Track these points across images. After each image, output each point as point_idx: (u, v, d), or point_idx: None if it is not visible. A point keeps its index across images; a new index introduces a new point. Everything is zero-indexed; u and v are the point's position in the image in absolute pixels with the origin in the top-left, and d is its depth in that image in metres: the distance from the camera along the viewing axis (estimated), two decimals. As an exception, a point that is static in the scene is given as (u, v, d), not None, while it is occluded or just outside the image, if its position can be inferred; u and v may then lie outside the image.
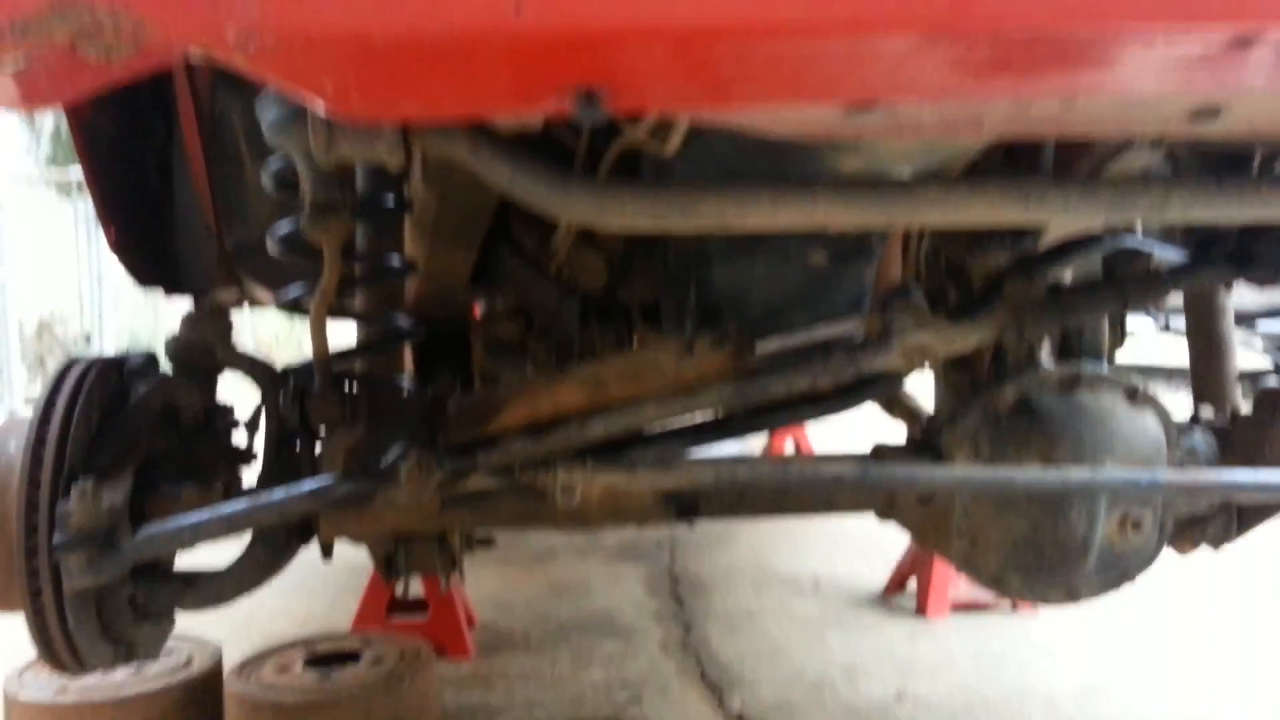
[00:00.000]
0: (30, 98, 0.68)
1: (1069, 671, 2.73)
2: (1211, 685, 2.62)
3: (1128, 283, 1.35)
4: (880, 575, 3.54)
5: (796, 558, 3.92)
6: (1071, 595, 1.67)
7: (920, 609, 3.25)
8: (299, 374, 1.54)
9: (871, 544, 3.68)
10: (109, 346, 9.83)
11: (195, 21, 0.65)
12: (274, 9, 0.64)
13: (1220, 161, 1.34)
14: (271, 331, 11.29)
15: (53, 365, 9.95)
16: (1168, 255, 1.45)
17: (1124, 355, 1.94)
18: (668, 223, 0.97)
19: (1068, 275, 1.49)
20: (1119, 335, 1.69)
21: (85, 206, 8.59)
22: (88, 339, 9.94)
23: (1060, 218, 1.02)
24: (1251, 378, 1.90)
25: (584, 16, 0.64)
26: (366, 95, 0.72)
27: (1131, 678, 2.68)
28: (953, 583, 3.22)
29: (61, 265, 9.85)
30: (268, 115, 0.99)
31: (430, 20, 0.65)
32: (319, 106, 0.74)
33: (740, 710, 2.50)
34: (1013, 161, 1.41)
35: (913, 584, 3.39)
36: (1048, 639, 2.97)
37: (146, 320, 10.71)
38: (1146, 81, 0.74)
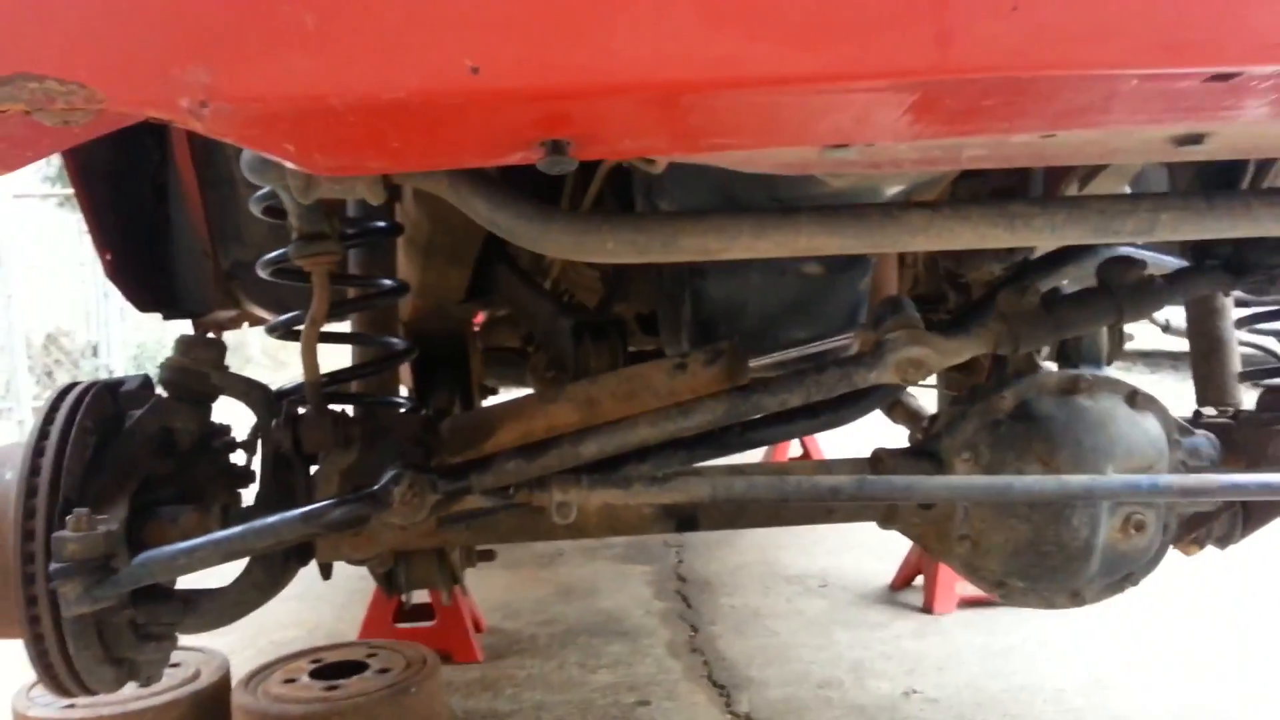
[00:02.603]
0: (-9, 164, 0.67)
1: (1076, 665, 2.73)
2: (1217, 678, 2.62)
3: (1123, 294, 1.33)
4: (887, 572, 3.54)
5: (803, 556, 3.92)
6: (1076, 599, 1.67)
7: (927, 605, 3.25)
8: (293, 396, 1.53)
9: (878, 541, 3.65)
10: (116, 358, 9.88)
11: (147, 93, 0.64)
12: (226, 78, 0.63)
13: (1216, 170, 1.32)
14: (276, 346, 11.30)
15: (61, 377, 10.02)
16: (1163, 262, 1.44)
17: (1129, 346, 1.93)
18: (650, 255, 0.96)
19: (1062, 284, 1.48)
20: (1118, 339, 1.67)
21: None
22: (94, 350, 9.98)
23: (1046, 241, 1.01)
24: (1253, 376, 1.89)
25: (542, 75, 0.62)
26: (330, 155, 0.72)
27: (1139, 671, 2.67)
28: (959, 579, 3.21)
29: (67, 278, 9.90)
30: (246, 157, 0.99)
31: (385, 85, 0.63)
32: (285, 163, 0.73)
33: (748, 711, 2.50)
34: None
35: (919, 580, 3.39)
36: (1055, 634, 2.96)
37: (153, 331, 10.75)
38: (1126, 117, 0.73)
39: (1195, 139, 0.83)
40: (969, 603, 3.24)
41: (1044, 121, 0.72)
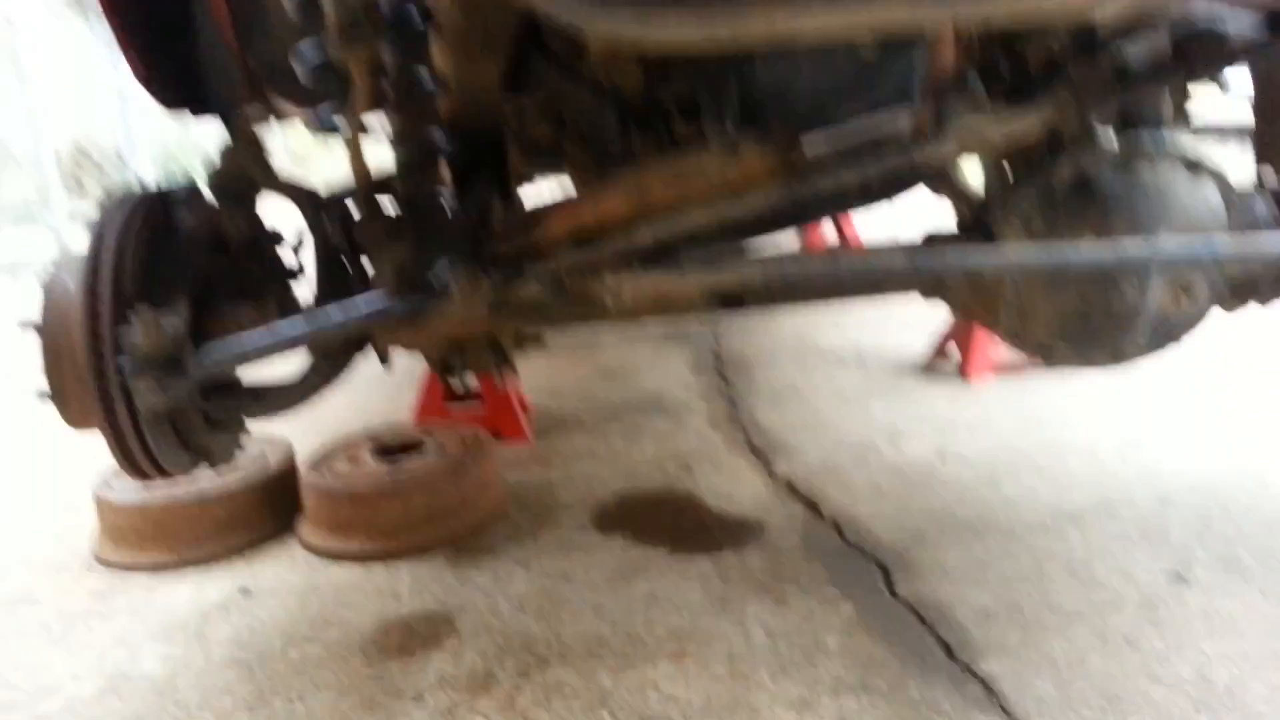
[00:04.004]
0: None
1: (1109, 427, 2.80)
2: (1250, 440, 2.68)
3: (1195, 58, 1.27)
4: (922, 345, 3.58)
5: (838, 333, 3.96)
6: (1117, 358, 1.68)
7: (962, 373, 3.31)
8: (340, 197, 1.53)
9: (913, 315, 3.70)
10: (142, 162, 9.77)
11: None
12: None
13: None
14: (303, 144, 11.07)
15: (90, 185, 10.00)
16: (1237, 25, 1.36)
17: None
18: (714, 32, 0.91)
19: (1133, 53, 1.41)
20: (1181, 102, 1.60)
21: (102, 25, 8.34)
22: (120, 156, 9.86)
23: (1130, 4, 0.94)
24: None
25: None
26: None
27: (1168, 432, 2.74)
28: (994, 347, 3.26)
29: (86, 85, 9.65)
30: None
31: None
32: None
33: (788, 474, 2.61)
34: None
35: (954, 351, 3.43)
36: (1087, 399, 3.03)
37: (176, 133, 10.55)
38: None
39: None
40: (1003, 370, 3.28)
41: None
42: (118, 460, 1.62)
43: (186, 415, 1.63)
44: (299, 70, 1.33)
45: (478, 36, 1.42)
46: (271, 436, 2.64)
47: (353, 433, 2.72)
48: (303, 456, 2.57)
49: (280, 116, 2.16)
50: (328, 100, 1.42)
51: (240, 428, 1.79)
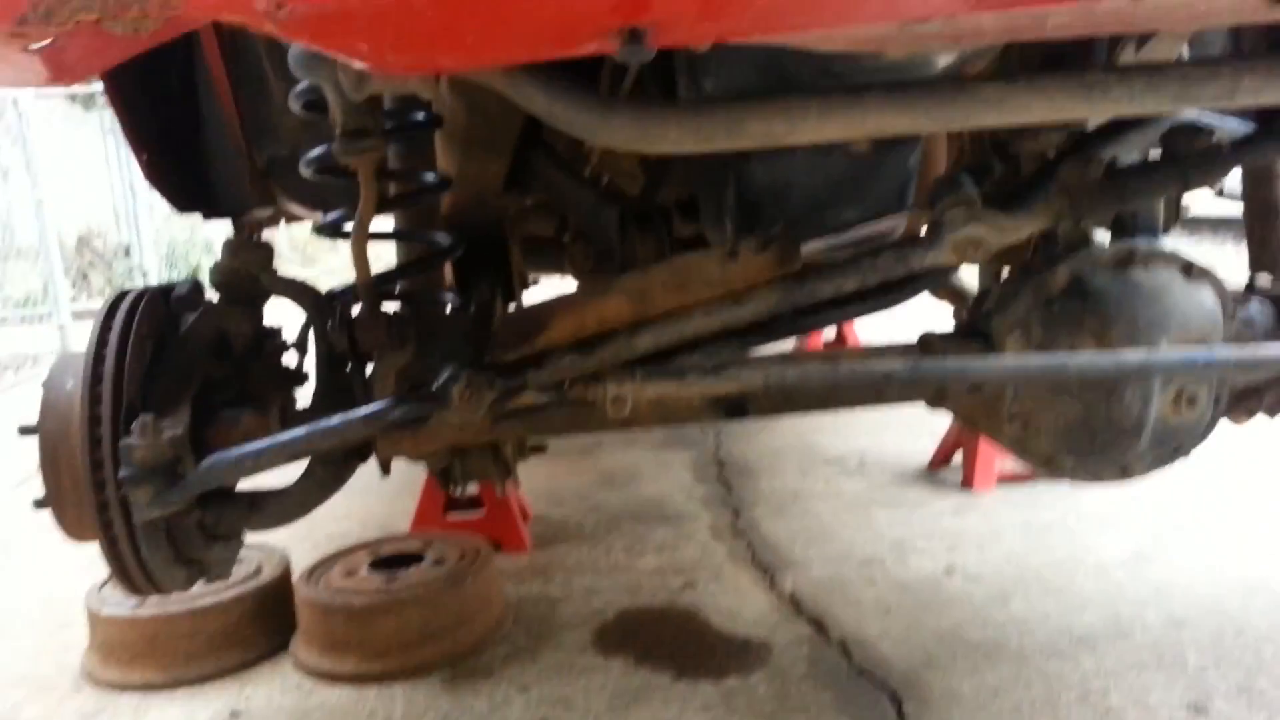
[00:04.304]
0: (58, 75, 0.65)
1: (1117, 539, 2.75)
2: (1265, 552, 2.64)
3: (1189, 162, 1.29)
4: (925, 451, 3.56)
5: (840, 438, 3.94)
6: (1125, 473, 1.67)
7: (966, 483, 3.28)
8: (344, 297, 1.54)
9: (916, 421, 3.68)
10: (148, 256, 9.93)
11: (224, -6, 0.61)
12: None
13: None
14: (305, 242, 11.27)
15: (95, 279, 10.07)
16: (1229, 128, 1.39)
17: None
18: (714, 144, 0.93)
19: (1124, 155, 1.44)
20: (1174, 209, 1.63)
21: (110, 119, 8.55)
22: (127, 251, 10.02)
23: (1125, 111, 0.97)
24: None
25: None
26: (402, 53, 0.69)
27: (1179, 543, 2.70)
28: (998, 456, 3.23)
29: (94, 179, 9.88)
30: (293, 52, 0.96)
31: None
32: (354, 64, 0.71)
33: (793, 590, 2.56)
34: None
35: (958, 458, 3.40)
36: (1095, 508, 2.99)
37: (183, 229, 10.76)
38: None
39: (1296, -5, 0.79)
40: (1008, 479, 3.25)
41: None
42: (113, 573, 1.59)
43: (183, 527, 1.60)
44: (304, 171, 1.36)
45: (483, 138, 1.46)
46: (267, 545, 2.60)
47: (351, 543, 2.67)
48: (299, 566, 2.52)
49: (289, 219, 2.20)
50: (333, 202, 1.45)
51: (237, 540, 1.76)
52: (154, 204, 9.77)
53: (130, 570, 1.57)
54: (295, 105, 1.31)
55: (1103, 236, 1.58)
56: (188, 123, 1.91)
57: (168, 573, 1.60)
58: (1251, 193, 1.88)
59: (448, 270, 2.04)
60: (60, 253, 8.51)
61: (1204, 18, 0.89)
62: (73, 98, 10.39)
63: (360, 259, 1.40)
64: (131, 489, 1.44)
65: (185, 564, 1.64)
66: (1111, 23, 0.87)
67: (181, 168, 1.94)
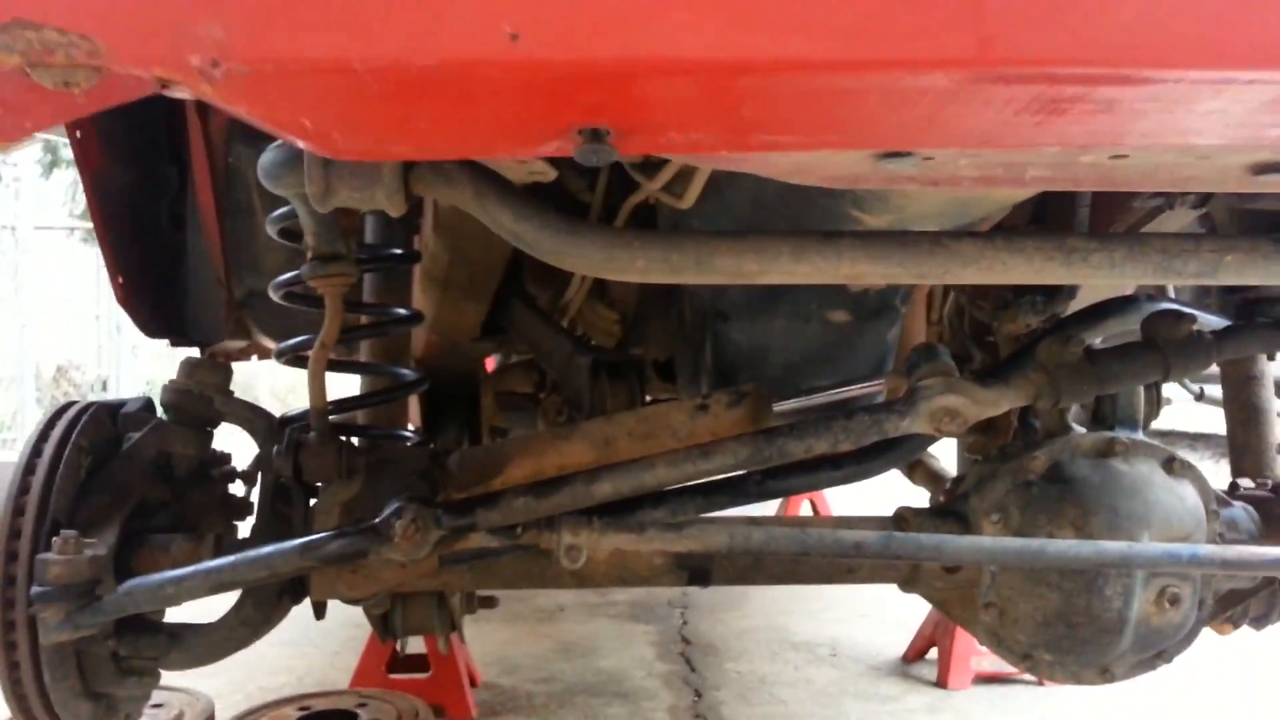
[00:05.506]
0: (-14, 133, 0.62)
1: (1098, 751, 2.61)
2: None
3: (1170, 349, 1.27)
4: (899, 642, 3.42)
5: (811, 622, 3.81)
6: (1106, 676, 1.59)
7: (941, 680, 3.14)
8: (296, 425, 1.48)
9: (890, 609, 3.57)
10: (125, 393, 9.89)
11: (154, 48, 0.58)
12: (242, 33, 0.57)
13: (1258, 222, 1.27)
14: (288, 383, 11.28)
15: (67, 410, 10.05)
16: (1209, 320, 1.38)
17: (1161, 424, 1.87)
18: (683, 275, 0.91)
19: (1102, 338, 1.43)
20: (1155, 402, 1.61)
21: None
22: (104, 385, 10.00)
23: (1104, 279, 0.95)
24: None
25: (588, 47, 0.57)
26: (350, 134, 0.66)
27: (1164, 759, 2.55)
28: (975, 653, 3.11)
29: (82, 312, 9.97)
30: (264, 159, 0.94)
31: (417, 49, 0.57)
32: (301, 145, 0.68)
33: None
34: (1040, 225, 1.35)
35: (934, 653, 3.28)
36: (1074, 713, 2.84)
37: (164, 368, 10.76)
38: (1211, 133, 0.68)
39: (1277, 167, 0.78)
40: (985, 679, 3.12)
41: (1117, 132, 0.66)
42: (10, 704, 1.47)
43: (95, 656, 1.49)
44: (274, 294, 1.33)
45: (464, 278, 1.44)
46: (193, 690, 2.44)
47: (284, 693, 2.51)
48: (224, 717, 2.36)
49: (262, 355, 2.17)
50: (306, 330, 1.41)
51: (153, 676, 1.64)
52: (138, 343, 9.82)
53: (29, 701, 1.45)
54: (272, 229, 1.30)
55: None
56: (170, 250, 1.92)
57: (72, 707, 1.48)
58: (1233, 396, 1.87)
59: (415, 411, 2.00)
60: (36, 381, 8.47)
61: (1186, 182, 0.88)
62: (72, 230, 10.59)
63: (317, 383, 1.36)
64: (41, 607, 1.34)
65: (92, 698, 1.51)
66: (1092, 178, 0.86)
67: (157, 294, 1.93)
